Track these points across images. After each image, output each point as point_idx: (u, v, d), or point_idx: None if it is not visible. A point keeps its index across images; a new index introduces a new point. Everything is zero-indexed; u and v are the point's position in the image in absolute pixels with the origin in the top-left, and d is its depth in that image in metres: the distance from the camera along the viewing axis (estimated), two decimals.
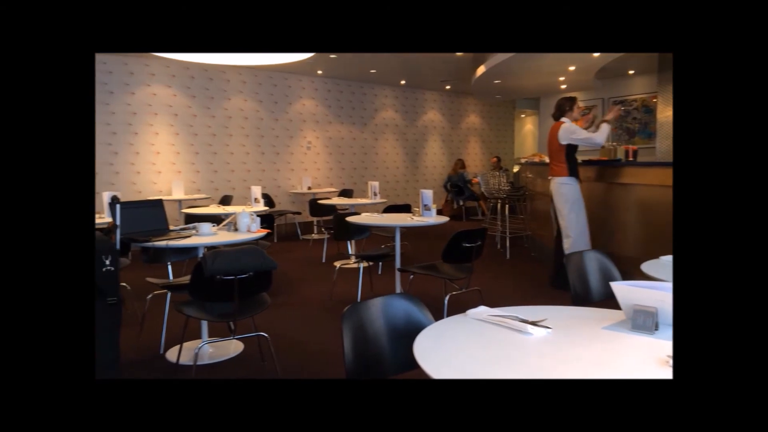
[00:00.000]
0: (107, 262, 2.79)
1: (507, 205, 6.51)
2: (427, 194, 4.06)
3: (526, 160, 7.25)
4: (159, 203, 3.31)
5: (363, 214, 4.47)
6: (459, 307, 1.99)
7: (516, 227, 6.93)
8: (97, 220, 4.05)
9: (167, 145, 7.22)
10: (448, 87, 10.07)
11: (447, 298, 3.42)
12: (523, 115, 12.71)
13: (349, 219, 4.10)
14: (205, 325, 3.12)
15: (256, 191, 5.63)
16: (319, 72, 8.25)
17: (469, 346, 1.31)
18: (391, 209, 4.99)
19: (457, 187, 9.78)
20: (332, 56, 7.08)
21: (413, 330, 1.65)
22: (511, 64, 6.52)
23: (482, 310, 1.52)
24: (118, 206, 2.97)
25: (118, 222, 2.94)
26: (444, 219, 3.99)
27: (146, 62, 6.95)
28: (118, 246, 2.91)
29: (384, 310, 1.67)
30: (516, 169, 10.99)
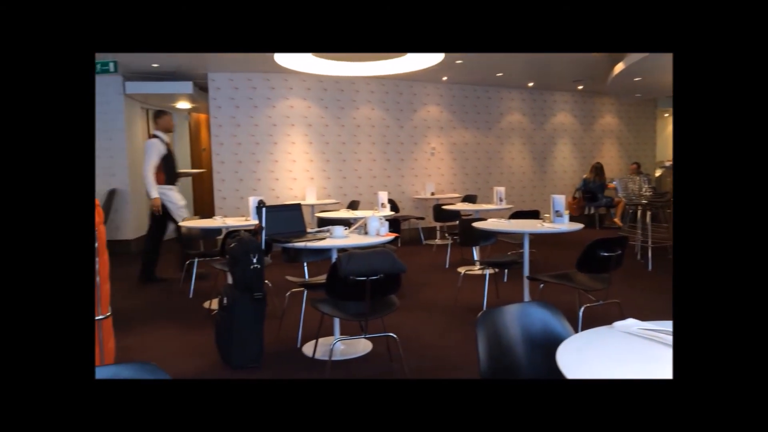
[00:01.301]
0: (254, 261, 3.07)
1: (648, 212, 5.97)
2: (559, 200, 3.88)
3: (671, 163, 6.58)
4: (298, 207, 3.56)
5: (489, 220, 4.39)
6: (595, 320, 1.86)
7: (659, 236, 6.32)
8: (243, 223, 4.47)
9: (302, 154, 7.74)
10: (580, 87, 9.53)
11: (582, 310, 3.22)
12: (666, 115, 11.57)
13: (476, 224, 4.05)
14: (337, 322, 3.28)
15: (383, 196, 5.81)
16: (444, 78, 8.29)
17: (620, 361, 1.22)
18: (518, 215, 4.83)
19: (590, 192, 9.18)
20: (458, 61, 7.07)
21: (551, 340, 1.58)
22: (655, 59, 5.99)
23: (631, 323, 1.41)
24: (263, 210, 3.25)
25: (263, 224, 3.21)
26: (577, 226, 3.77)
27: (285, 77, 7.53)
28: (263, 246, 3.18)
29: (520, 317, 1.62)
30: (658, 173, 10.03)
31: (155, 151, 5.16)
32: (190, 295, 4.83)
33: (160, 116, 5.39)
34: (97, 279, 2.11)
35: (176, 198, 5.36)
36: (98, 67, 6.21)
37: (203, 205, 9.22)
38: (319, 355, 3.18)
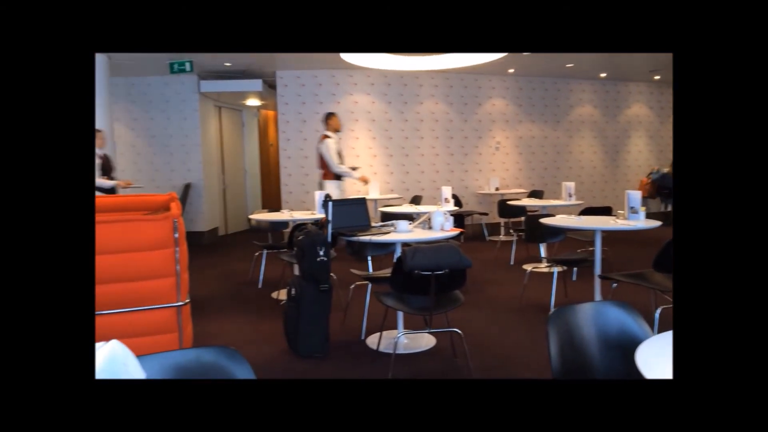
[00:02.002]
0: (321, 253, 3.13)
1: None
2: (635, 196, 3.69)
3: None
4: (363, 201, 3.60)
5: (558, 216, 4.25)
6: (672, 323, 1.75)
7: None
8: (309, 216, 4.58)
9: (366, 149, 7.82)
10: (657, 77, 9.00)
11: (658, 311, 3.05)
12: None
13: (544, 221, 3.94)
14: (401, 316, 3.29)
15: (446, 191, 5.76)
16: (511, 70, 8.09)
17: None
18: (588, 211, 4.65)
19: (668, 189, 8.66)
20: (525, 53, 6.87)
21: (628, 341, 1.51)
22: None
23: None
24: (330, 204, 3.31)
25: (330, 218, 3.27)
26: (655, 223, 3.57)
27: (350, 73, 7.63)
28: (329, 239, 3.25)
29: (594, 316, 1.56)
30: None
31: (330, 149, 5.77)
32: (259, 285, 5.01)
33: (330, 117, 5.93)
34: (177, 267, 2.24)
35: (343, 194, 5.94)
36: (175, 66, 6.54)
37: (270, 199, 9.54)
38: (382, 348, 3.21)
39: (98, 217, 2.75)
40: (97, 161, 5.28)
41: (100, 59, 5.92)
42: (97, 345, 0.79)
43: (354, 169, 6.50)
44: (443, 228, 3.39)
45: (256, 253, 5.32)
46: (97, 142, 5.32)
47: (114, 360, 0.77)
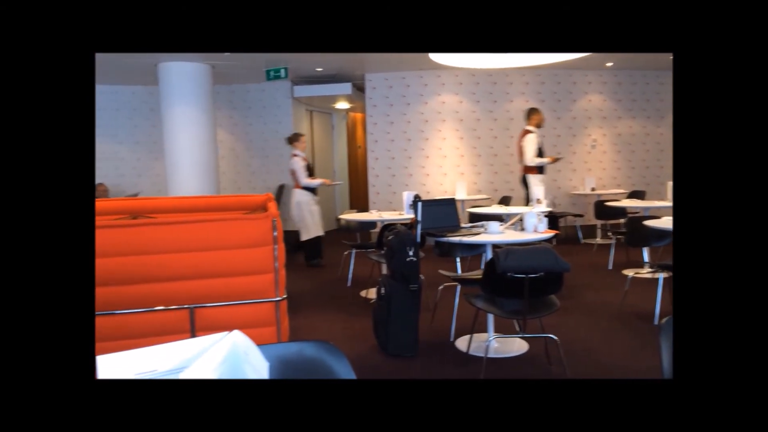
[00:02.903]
0: (410, 253, 3.14)
1: None
2: None
3: None
4: (452, 202, 3.56)
5: (664, 218, 3.94)
6: None
7: None
8: (397, 217, 4.61)
9: (453, 149, 7.74)
10: None
11: None
12: None
13: (648, 223, 3.66)
14: (491, 319, 3.21)
15: (539, 192, 5.55)
16: (609, 64, 7.63)
17: None
18: None
19: None
20: None
21: None
22: None
23: None
24: (419, 204, 3.31)
25: (419, 218, 3.27)
26: None
27: (438, 73, 7.59)
28: (418, 239, 3.24)
29: None
30: None
31: (533, 144, 6.02)
32: (348, 284, 5.13)
33: (533, 113, 6.17)
34: (276, 264, 2.34)
35: (546, 187, 6.15)
36: (271, 74, 6.87)
37: (358, 200, 9.74)
38: (472, 351, 3.15)
39: (204, 216, 2.95)
40: (303, 163, 5.84)
41: (205, 68, 6.34)
42: (220, 335, 0.83)
43: (550, 162, 6.55)
44: (537, 229, 3.26)
45: (345, 252, 5.44)
46: (301, 146, 5.92)
47: (236, 350, 0.81)
